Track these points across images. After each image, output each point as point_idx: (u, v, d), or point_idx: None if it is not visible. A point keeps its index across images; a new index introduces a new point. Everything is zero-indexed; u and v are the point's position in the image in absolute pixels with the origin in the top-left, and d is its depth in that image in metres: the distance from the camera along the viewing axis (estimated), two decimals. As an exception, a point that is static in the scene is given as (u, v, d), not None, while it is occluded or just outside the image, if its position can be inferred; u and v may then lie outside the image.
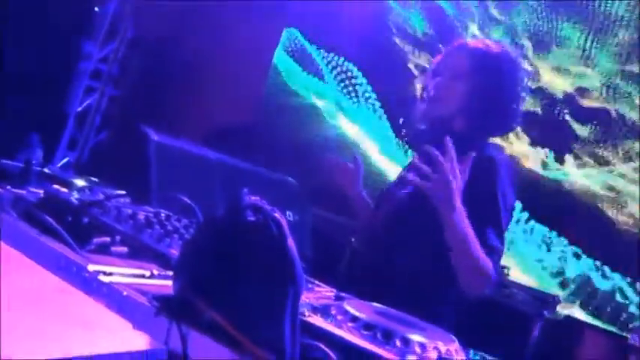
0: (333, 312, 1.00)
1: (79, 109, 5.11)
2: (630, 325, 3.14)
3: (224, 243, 0.75)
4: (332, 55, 4.53)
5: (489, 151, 1.85)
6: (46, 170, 1.66)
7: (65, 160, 5.08)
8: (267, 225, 0.72)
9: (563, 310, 3.15)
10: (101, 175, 1.77)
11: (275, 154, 4.10)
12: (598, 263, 3.38)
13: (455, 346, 1.02)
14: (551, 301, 3.00)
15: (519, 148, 3.78)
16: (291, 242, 0.73)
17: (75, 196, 1.19)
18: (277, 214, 0.73)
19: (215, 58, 4.80)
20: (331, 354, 0.82)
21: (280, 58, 4.79)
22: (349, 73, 4.46)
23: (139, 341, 0.66)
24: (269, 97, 4.75)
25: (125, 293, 0.82)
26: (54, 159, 4.92)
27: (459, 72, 1.91)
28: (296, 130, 4.56)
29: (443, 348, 0.96)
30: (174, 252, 1.09)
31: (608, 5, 3.63)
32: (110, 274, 0.89)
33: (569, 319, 3.27)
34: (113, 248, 1.06)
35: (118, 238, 1.09)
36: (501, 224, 1.74)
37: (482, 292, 1.73)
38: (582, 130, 3.65)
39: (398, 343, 0.92)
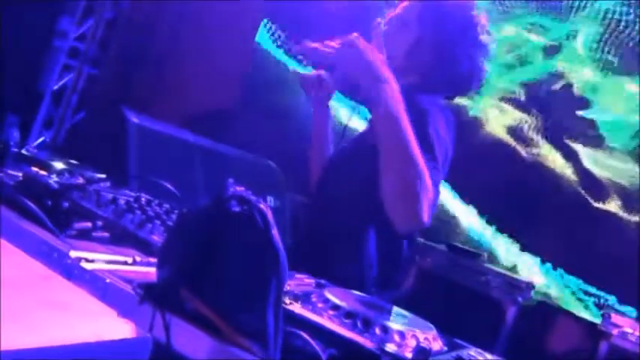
0: (314, 300, 1.01)
1: (56, 87, 5.01)
2: (601, 312, 3.21)
3: (209, 232, 0.75)
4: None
5: (427, 104, 1.61)
6: (23, 152, 1.63)
7: (41, 139, 4.99)
8: (252, 216, 0.73)
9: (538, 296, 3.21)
10: (79, 156, 1.75)
11: (256, 137, 4.09)
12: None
13: (432, 334, 1.04)
14: (525, 287, 3.05)
15: (498, 128, 3.83)
16: (275, 233, 0.74)
17: (54, 179, 1.18)
18: (262, 205, 0.73)
19: (197, 39, 4.74)
20: (312, 342, 0.83)
21: (263, 36, 4.80)
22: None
23: (124, 329, 0.66)
24: (254, 75, 4.75)
25: (108, 280, 0.82)
26: (29, 138, 4.83)
27: (407, 20, 1.73)
28: (278, 101, 4.57)
29: (421, 336, 0.98)
30: (156, 238, 1.09)
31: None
32: (92, 260, 0.89)
33: (543, 306, 3.33)
34: (94, 234, 1.05)
35: (99, 223, 1.08)
36: (437, 157, 1.49)
37: (419, 217, 1.35)
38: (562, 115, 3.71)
39: (377, 331, 0.93)
